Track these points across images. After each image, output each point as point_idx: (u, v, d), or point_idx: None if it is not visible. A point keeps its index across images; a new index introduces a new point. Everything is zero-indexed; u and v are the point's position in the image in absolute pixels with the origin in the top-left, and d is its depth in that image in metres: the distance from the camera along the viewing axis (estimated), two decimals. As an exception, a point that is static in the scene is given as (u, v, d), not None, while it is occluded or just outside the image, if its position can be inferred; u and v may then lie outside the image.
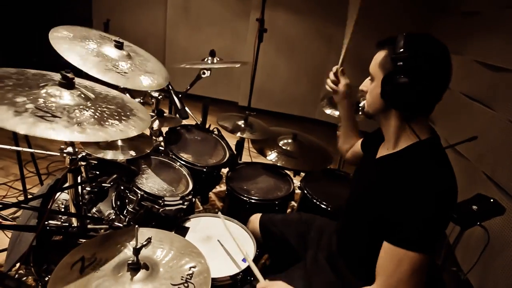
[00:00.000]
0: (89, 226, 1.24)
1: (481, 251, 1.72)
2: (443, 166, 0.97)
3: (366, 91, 1.08)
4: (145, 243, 0.94)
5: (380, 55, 1.00)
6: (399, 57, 0.93)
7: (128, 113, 0.98)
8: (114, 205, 1.44)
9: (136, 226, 0.89)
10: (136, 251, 0.91)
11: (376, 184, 1.06)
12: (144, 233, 1.10)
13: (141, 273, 0.93)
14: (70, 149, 1.23)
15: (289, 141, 2.29)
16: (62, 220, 1.28)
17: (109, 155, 1.34)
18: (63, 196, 1.53)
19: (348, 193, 1.35)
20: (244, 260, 1.40)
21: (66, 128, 0.81)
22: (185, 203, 1.48)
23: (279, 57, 4.41)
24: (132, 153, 1.39)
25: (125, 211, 1.39)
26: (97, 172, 1.50)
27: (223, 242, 1.48)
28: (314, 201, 1.86)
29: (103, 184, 1.40)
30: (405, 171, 0.97)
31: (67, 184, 1.13)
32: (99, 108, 0.99)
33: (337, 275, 1.21)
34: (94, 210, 1.40)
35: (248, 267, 1.36)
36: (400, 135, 1.04)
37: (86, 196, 1.37)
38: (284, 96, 4.63)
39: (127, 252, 1.00)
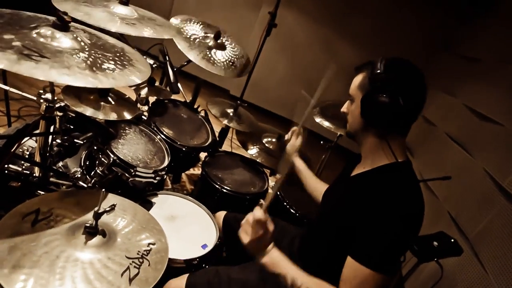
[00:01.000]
0: (51, 179, 1.18)
1: (431, 286, 1.77)
2: (415, 191, 0.99)
3: (347, 113, 1.12)
4: (108, 209, 0.89)
5: (358, 78, 1.05)
6: (377, 78, 0.98)
7: (125, 63, 0.93)
8: (82, 164, 1.37)
9: (103, 190, 0.84)
10: (97, 215, 0.86)
11: (349, 199, 1.08)
12: (108, 198, 1.05)
13: (97, 239, 0.88)
14: (48, 95, 1.17)
15: (273, 140, 2.29)
16: (24, 167, 1.21)
17: (89, 111, 1.27)
18: (30, 143, 1.45)
19: (319, 205, 1.37)
20: (204, 246, 1.38)
21: (52, 69, 0.76)
22: (157, 178, 1.43)
23: (281, 55, 4.38)
24: (114, 115, 1.33)
25: (92, 173, 1.32)
26: (72, 126, 1.44)
27: (187, 224, 1.45)
28: (285, 204, 1.87)
29: (75, 140, 1.34)
30: (377, 189, 0.99)
31: (38, 131, 1.06)
32: (94, 55, 0.93)
33: None
34: (60, 164, 1.33)
35: (205, 255, 1.33)
36: (377, 152, 1.06)
37: (55, 148, 1.31)
38: (277, 95, 4.61)
39: (87, 214, 0.96)
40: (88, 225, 0.87)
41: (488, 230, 2.06)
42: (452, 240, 1.75)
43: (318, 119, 2.41)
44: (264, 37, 2.22)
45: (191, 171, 2.53)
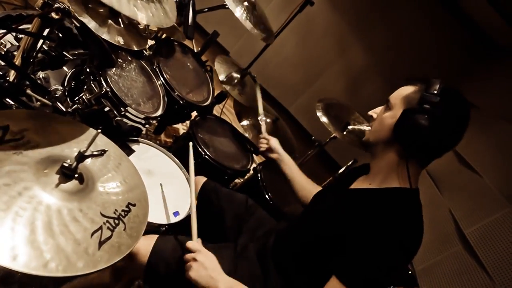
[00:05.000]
0: (28, 90, 0.98)
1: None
2: (419, 223, 0.94)
3: (375, 118, 1.04)
4: (97, 153, 0.73)
5: (407, 89, 0.97)
6: (429, 98, 0.90)
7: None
8: (66, 83, 1.17)
9: (99, 130, 0.68)
10: (81, 156, 0.70)
11: (347, 212, 1.00)
12: (90, 134, 0.89)
13: (72, 183, 0.73)
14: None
15: (269, 120, 2.17)
16: (-3, 65, 0.99)
17: (92, 25, 1.06)
18: (9, 38, 1.21)
19: (306, 206, 1.31)
20: (175, 214, 1.26)
21: None
22: (146, 125, 1.26)
23: (291, 36, 4.16)
24: (120, 40, 1.13)
25: (76, 98, 1.13)
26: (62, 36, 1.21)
27: (163, 184, 1.31)
28: (262, 189, 1.78)
29: (64, 52, 1.13)
30: (383, 212, 0.92)
31: (30, 31, 0.85)
32: None
33: (263, 271, 1.15)
34: (40, 75, 1.12)
35: (175, 224, 1.22)
36: (391, 172, 0.99)
37: (39, 55, 1.09)
38: (274, 74, 4.43)
39: (67, 150, 0.79)
40: (66, 164, 0.71)
41: (436, 268, 2.14)
42: (410, 272, 1.77)
43: (319, 113, 2.31)
44: (296, 12, 2.04)
45: (175, 126, 2.36)
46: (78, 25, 0.90)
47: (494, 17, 2.64)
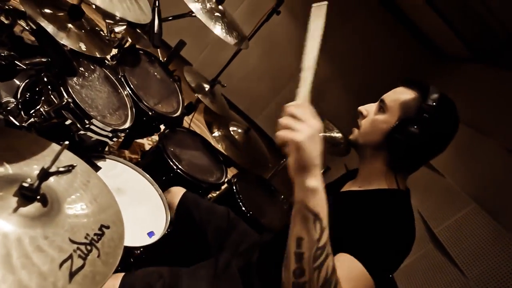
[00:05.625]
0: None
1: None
2: (411, 222, 0.90)
3: (365, 116, 0.98)
4: (63, 169, 0.63)
5: (405, 94, 0.93)
6: (428, 109, 0.87)
7: None
8: (19, 95, 1.03)
9: (66, 142, 0.58)
10: (45, 174, 0.60)
11: (338, 216, 0.95)
12: (53, 151, 0.78)
13: (34, 207, 0.62)
14: (1, -10, 0.84)
15: (240, 131, 2.12)
16: None
17: (49, 29, 0.95)
18: None
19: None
20: (150, 234, 1.15)
21: None
22: (113, 139, 1.16)
23: (256, 49, 4.17)
24: (82, 46, 1.02)
25: (32, 111, 1.00)
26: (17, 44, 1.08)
27: (133, 202, 1.20)
28: (238, 201, 1.71)
29: (15, 61, 1.00)
30: (377, 213, 0.88)
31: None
32: None
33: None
34: (-12, 86, 0.98)
35: (151, 245, 1.11)
36: (380, 176, 0.96)
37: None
38: (240, 87, 4.40)
39: (25, 168, 0.68)
40: (26, 184, 0.60)
41: (411, 268, 2.17)
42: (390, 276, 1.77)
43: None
44: (263, 21, 2.03)
45: (141, 140, 2.22)
46: (34, 27, 0.79)
47: (443, 29, 2.84)
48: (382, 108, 0.94)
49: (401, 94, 0.93)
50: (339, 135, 2.35)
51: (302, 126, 0.66)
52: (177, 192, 1.37)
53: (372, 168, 0.98)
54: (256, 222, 1.65)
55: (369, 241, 0.81)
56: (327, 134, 2.31)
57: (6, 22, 0.90)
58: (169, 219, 1.25)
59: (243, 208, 1.68)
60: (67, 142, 0.57)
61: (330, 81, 4.11)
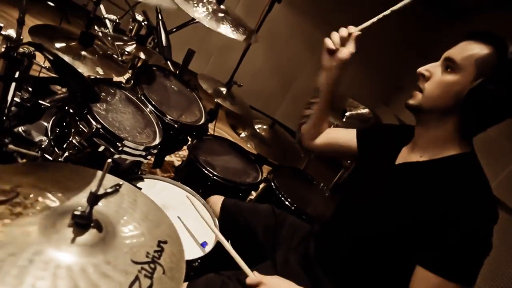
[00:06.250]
0: (9, 146, 0.85)
1: None
2: (489, 186, 0.83)
3: (429, 77, 0.86)
4: (111, 190, 0.61)
5: (479, 49, 0.80)
6: (510, 66, 0.76)
7: None
8: (50, 133, 1.04)
9: (109, 161, 0.56)
10: (94, 198, 0.58)
11: (403, 194, 0.89)
12: (97, 177, 0.76)
13: (90, 234, 0.60)
14: (11, 32, 0.84)
15: (265, 127, 2.08)
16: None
17: (65, 59, 0.95)
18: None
19: (341, 200, 1.21)
20: (204, 244, 1.13)
21: None
22: (148, 157, 1.14)
23: (260, 48, 4.13)
24: (99, 70, 1.02)
25: (65, 145, 1.00)
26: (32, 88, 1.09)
27: (182, 216, 1.18)
28: (280, 196, 1.66)
29: (39, 101, 1.00)
30: (454, 185, 0.81)
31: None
32: None
33: (313, 281, 1.03)
34: (20, 129, 0.99)
35: (207, 255, 1.09)
36: (446, 142, 0.87)
37: (12, 108, 0.96)
38: (252, 86, 4.36)
39: (73, 198, 0.66)
40: (78, 212, 0.58)
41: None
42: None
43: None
44: (266, 11, 1.98)
45: (169, 159, 2.23)
46: (51, 58, 0.78)
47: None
48: (451, 68, 0.83)
49: (473, 50, 0.80)
50: (365, 110, 2.27)
51: None
52: (217, 201, 1.35)
53: (436, 134, 0.88)
54: (302, 213, 1.60)
55: (455, 234, 0.74)
56: (354, 112, 2.23)
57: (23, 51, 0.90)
58: (218, 226, 1.22)
59: (286, 203, 1.64)
60: (109, 160, 0.54)
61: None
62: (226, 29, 1.46)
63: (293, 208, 1.62)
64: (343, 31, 1.08)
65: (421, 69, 0.88)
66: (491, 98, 0.76)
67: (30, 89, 1.07)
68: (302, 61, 4.19)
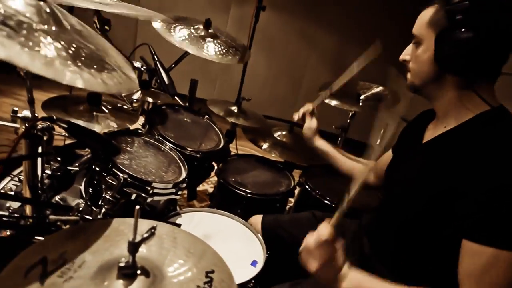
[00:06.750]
0: (50, 216, 0.90)
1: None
2: None
3: (409, 60, 0.91)
4: (146, 235, 0.63)
5: (428, 13, 0.84)
6: (457, 9, 0.76)
7: (110, 64, 0.67)
8: (84, 194, 1.09)
9: (137, 207, 0.58)
10: (134, 246, 0.60)
11: (434, 168, 0.85)
12: (131, 224, 0.79)
13: (139, 281, 0.62)
14: (26, 112, 0.90)
15: (284, 132, 2.07)
16: (11, 209, 0.92)
17: (80, 123, 1.00)
18: (10, 185, 1.16)
19: (382, 192, 1.17)
20: (254, 263, 1.12)
21: (23, 48, 0.49)
22: (178, 193, 1.17)
23: (258, 55, 4.17)
24: (113, 124, 1.06)
25: (100, 201, 1.04)
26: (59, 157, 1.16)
27: (224, 242, 1.19)
28: (318, 197, 1.64)
29: (68, 168, 1.06)
30: (486, 145, 0.77)
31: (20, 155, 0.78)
32: (74, 43, 0.67)
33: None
34: (57, 198, 1.05)
35: (260, 273, 1.08)
36: (463, 106, 0.84)
37: (46, 181, 1.02)
38: (263, 97, 4.39)
39: (115, 251, 0.68)
40: (122, 264, 0.60)
41: None
42: None
43: (326, 100, 2.22)
44: (254, 23, 2.01)
45: (202, 188, 2.26)
46: (66, 126, 0.83)
47: None
48: (417, 42, 0.87)
49: (423, 17, 0.85)
50: (379, 88, 2.21)
51: (317, 258, 0.79)
52: (257, 221, 1.35)
53: (448, 100, 0.86)
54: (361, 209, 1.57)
55: (497, 198, 0.70)
56: (369, 93, 2.18)
57: (45, 138, 0.96)
58: (263, 241, 1.22)
59: (326, 202, 1.61)
60: (138, 207, 0.56)
61: (342, 48, 3.95)
62: (213, 53, 1.50)
63: (333, 205, 1.59)
64: (301, 110, 1.37)
65: (401, 57, 0.93)
66: (456, 44, 0.77)
67: (59, 158, 1.14)
68: (304, 57, 4.18)
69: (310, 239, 0.80)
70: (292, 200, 1.97)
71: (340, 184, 1.90)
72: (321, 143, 1.37)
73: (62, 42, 0.58)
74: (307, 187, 1.70)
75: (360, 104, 2.12)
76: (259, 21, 2.09)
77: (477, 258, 0.71)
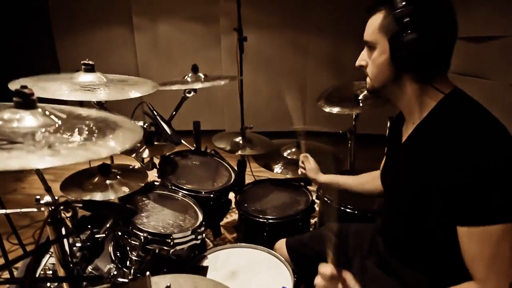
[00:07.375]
0: (86, 289, 0.97)
1: None
2: (485, 112, 0.82)
3: (366, 65, 0.96)
4: (164, 294, 0.69)
5: (376, 19, 0.90)
6: (404, 13, 0.83)
7: (112, 126, 0.76)
8: (113, 258, 1.17)
9: (148, 273, 0.64)
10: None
11: (412, 163, 0.91)
12: (158, 282, 0.85)
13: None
14: (47, 198, 0.99)
15: (293, 150, 2.11)
16: (51, 288, 1.01)
17: (97, 197, 1.10)
18: (52, 260, 1.26)
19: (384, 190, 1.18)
20: (283, 291, 1.15)
21: (31, 154, 0.58)
22: (198, 237, 1.23)
23: (257, 74, 4.28)
24: (125, 189, 1.15)
25: (128, 262, 1.12)
26: (88, 225, 1.25)
27: (252, 275, 1.23)
28: (340, 207, 1.65)
29: (96, 236, 1.15)
30: (446, 131, 0.82)
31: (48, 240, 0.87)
32: (75, 126, 0.76)
33: (395, 277, 1.02)
34: (89, 268, 1.13)
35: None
36: (423, 100, 0.90)
37: (78, 254, 1.11)
38: (270, 113, 4.47)
39: (142, 312, 0.75)
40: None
41: None
42: None
43: (326, 109, 2.25)
44: (240, 54, 2.10)
45: (226, 219, 2.32)
46: (81, 205, 0.91)
47: None
48: (371, 47, 0.92)
49: (373, 24, 0.90)
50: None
51: None
52: (281, 246, 1.39)
53: (408, 97, 0.92)
54: (368, 213, 1.57)
55: (471, 177, 0.73)
56: (366, 92, 2.20)
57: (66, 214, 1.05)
58: (289, 266, 1.25)
59: (349, 210, 1.62)
60: (148, 273, 0.62)
61: (337, 49, 4.00)
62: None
63: (356, 212, 1.60)
64: (300, 163, 1.53)
65: (357, 63, 0.98)
66: (410, 45, 0.82)
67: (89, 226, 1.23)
68: (300, 63, 4.26)
69: (317, 279, 0.88)
70: (315, 215, 1.99)
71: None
72: (325, 178, 1.45)
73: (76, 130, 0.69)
74: (326, 199, 1.72)
75: (361, 105, 2.14)
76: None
77: (474, 241, 0.74)
